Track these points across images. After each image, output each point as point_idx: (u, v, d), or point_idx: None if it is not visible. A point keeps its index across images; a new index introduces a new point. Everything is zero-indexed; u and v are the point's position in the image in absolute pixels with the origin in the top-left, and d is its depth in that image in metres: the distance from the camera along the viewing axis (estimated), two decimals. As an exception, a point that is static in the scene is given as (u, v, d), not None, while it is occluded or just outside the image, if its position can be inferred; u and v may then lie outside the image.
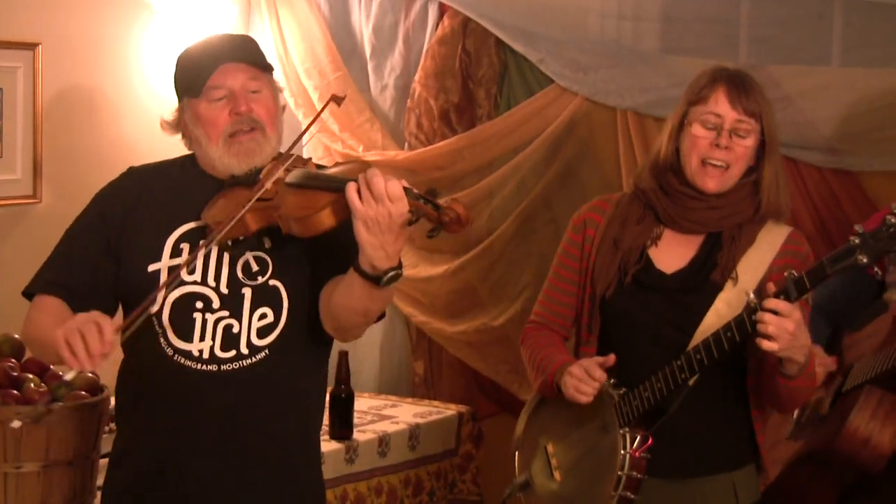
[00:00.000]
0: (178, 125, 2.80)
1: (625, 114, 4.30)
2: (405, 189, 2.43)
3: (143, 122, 4.77)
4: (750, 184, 2.93)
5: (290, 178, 2.63)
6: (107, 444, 3.00)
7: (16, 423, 2.68)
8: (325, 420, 3.75)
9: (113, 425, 2.96)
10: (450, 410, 4.34)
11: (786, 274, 2.67)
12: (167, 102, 4.73)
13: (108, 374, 2.91)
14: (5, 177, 4.37)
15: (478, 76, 4.67)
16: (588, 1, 4.44)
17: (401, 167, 4.76)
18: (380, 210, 2.41)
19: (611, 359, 2.88)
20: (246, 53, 2.74)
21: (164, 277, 2.69)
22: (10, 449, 3.04)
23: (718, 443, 2.93)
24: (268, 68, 2.78)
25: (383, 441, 3.96)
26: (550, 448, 3.05)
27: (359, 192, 2.42)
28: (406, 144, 4.85)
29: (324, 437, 3.77)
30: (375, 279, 2.49)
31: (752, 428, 2.95)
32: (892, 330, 3.01)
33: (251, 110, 2.70)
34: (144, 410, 2.73)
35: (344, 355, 4.02)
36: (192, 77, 2.72)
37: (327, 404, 3.78)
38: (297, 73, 5.00)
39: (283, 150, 2.79)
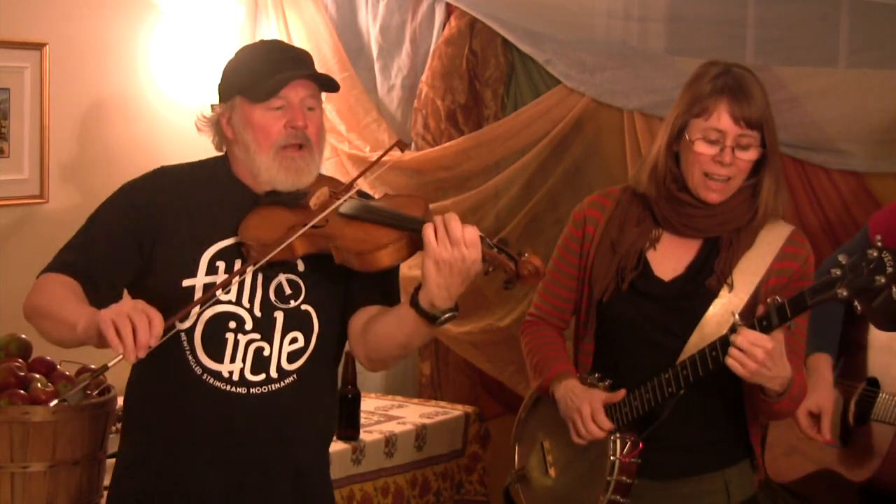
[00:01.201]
0: (217, 124, 2.76)
1: (631, 114, 4.30)
2: (480, 237, 2.46)
3: (151, 122, 4.78)
4: (749, 188, 2.90)
5: (346, 208, 2.62)
6: (112, 444, 3.00)
7: (57, 403, 2.61)
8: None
9: (119, 425, 2.96)
10: (456, 411, 4.34)
11: (769, 300, 2.66)
12: (174, 102, 4.77)
13: (115, 376, 2.91)
14: (12, 177, 4.37)
15: (485, 77, 4.66)
16: (595, 2, 4.44)
17: (407, 168, 4.77)
18: (455, 254, 2.43)
19: (620, 394, 2.88)
20: (314, 71, 2.73)
21: (198, 295, 2.65)
22: (17, 449, 3.04)
23: (711, 443, 2.93)
24: (334, 88, 2.75)
25: (390, 441, 3.96)
26: (547, 444, 3.06)
27: (435, 233, 2.45)
28: (413, 145, 4.85)
29: (330, 437, 3.79)
30: (432, 318, 2.51)
31: (745, 427, 2.95)
32: None
33: (306, 126, 2.68)
34: (163, 423, 2.71)
35: (351, 356, 4.02)
36: (257, 80, 2.67)
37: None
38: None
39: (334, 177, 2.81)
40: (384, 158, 2.87)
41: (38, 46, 4.38)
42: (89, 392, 2.49)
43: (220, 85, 2.76)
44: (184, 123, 4.37)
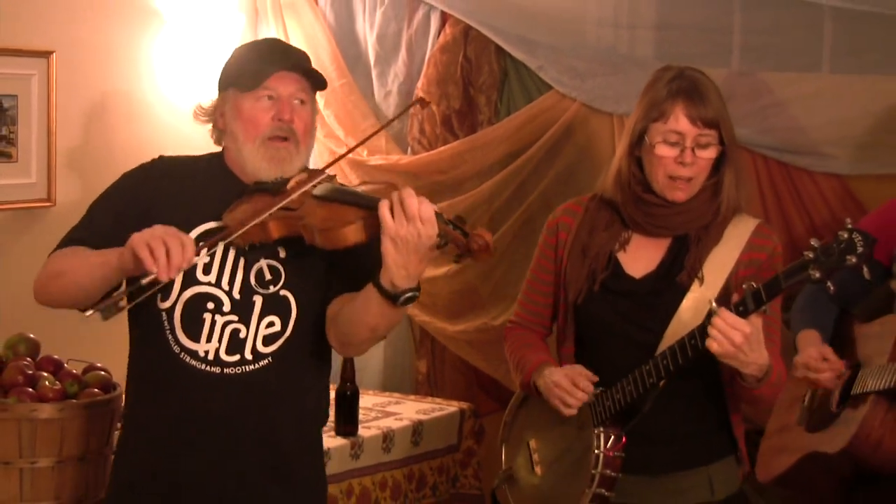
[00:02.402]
0: (213, 114, 2.80)
1: (621, 119, 4.30)
2: (436, 213, 2.44)
3: (153, 126, 4.78)
4: (711, 185, 2.92)
5: (318, 190, 2.63)
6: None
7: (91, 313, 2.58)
8: (331, 417, 3.77)
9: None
10: (452, 407, 4.34)
11: (744, 286, 2.66)
12: (177, 108, 4.77)
13: (119, 376, 2.91)
14: (21, 180, 4.37)
15: (479, 83, 4.66)
16: (586, 10, 4.44)
17: (404, 171, 4.77)
18: (410, 229, 2.42)
19: (595, 377, 2.90)
20: (305, 66, 2.75)
21: (178, 275, 2.62)
22: (25, 445, 3.05)
23: (694, 438, 2.94)
24: (321, 86, 2.77)
25: (387, 437, 3.96)
26: (533, 443, 3.07)
27: (391, 210, 2.43)
28: (409, 149, 4.85)
29: (329, 433, 3.79)
30: (393, 297, 2.49)
31: (728, 421, 2.95)
32: None
33: (292, 120, 2.69)
34: (147, 403, 2.73)
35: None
36: (247, 71, 2.71)
37: (333, 401, 3.79)
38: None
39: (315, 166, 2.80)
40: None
41: (46, 54, 4.39)
42: (122, 305, 2.50)
43: (218, 79, 2.81)
44: (186, 128, 4.38)
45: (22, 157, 4.36)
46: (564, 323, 3.03)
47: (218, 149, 2.85)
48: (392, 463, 3.97)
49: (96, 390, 3.20)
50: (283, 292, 2.71)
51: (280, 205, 2.59)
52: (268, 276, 2.70)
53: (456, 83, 4.68)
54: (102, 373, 3.29)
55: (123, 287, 2.57)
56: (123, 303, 2.51)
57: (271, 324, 2.70)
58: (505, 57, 4.62)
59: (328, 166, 2.76)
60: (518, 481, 3.09)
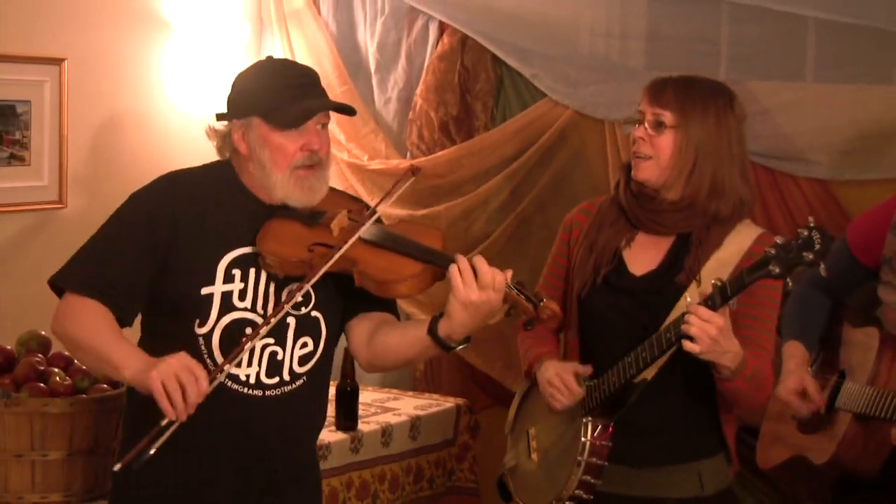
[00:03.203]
0: (228, 136, 2.71)
1: (612, 125, 4.32)
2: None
3: (162, 132, 4.80)
4: (707, 185, 2.91)
5: (368, 234, 2.59)
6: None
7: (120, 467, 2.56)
8: (332, 412, 3.80)
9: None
10: (448, 403, 4.34)
11: (712, 282, 2.69)
12: (184, 114, 4.79)
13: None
14: (33, 183, 4.39)
15: (475, 90, 4.68)
16: (579, 20, 4.44)
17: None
18: (482, 297, 2.41)
19: (589, 369, 2.93)
20: (330, 101, 2.71)
21: (216, 301, 2.62)
22: (37, 438, 3.07)
23: (684, 433, 2.94)
24: (350, 112, 2.72)
25: (386, 432, 3.97)
26: (532, 431, 3.09)
27: (461, 274, 2.42)
28: (408, 154, 4.87)
29: (330, 427, 3.81)
30: (447, 347, 2.52)
31: (717, 417, 2.95)
32: (880, 346, 3.03)
33: (321, 149, 2.65)
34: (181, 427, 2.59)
35: (349, 351, 4.03)
36: (279, 105, 2.61)
37: (334, 398, 3.82)
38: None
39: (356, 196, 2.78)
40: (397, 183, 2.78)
41: (58, 61, 4.41)
42: (151, 453, 2.45)
43: (233, 100, 2.70)
44: (193, 133, 4.42)
45: (34, 161, 4.38)
46: (569, 314, 3.06)
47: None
48: (390, 457, 3.98)
49: (105, 386, 3.22)
50: (314, 313, 2.70)
51: (338, 255, 2.53)
52: (299, 299, 2.63)
53: (453, 90, 4.70)
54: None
55: (146, 440, 2.45)
56: (152, 451, 2.44)
57: (304, 344, 2.70)
58: (501, 65, 4.63)
59: (375, 206, 2.66)
60: (518, 468, 3.13)
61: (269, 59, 2.78)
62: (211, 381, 2.47)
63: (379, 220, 2.68)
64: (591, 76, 4.37)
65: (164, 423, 2.44)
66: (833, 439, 3.04)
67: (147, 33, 4.77)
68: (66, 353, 3.27)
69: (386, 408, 4.22)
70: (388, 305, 2.76)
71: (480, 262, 2.43)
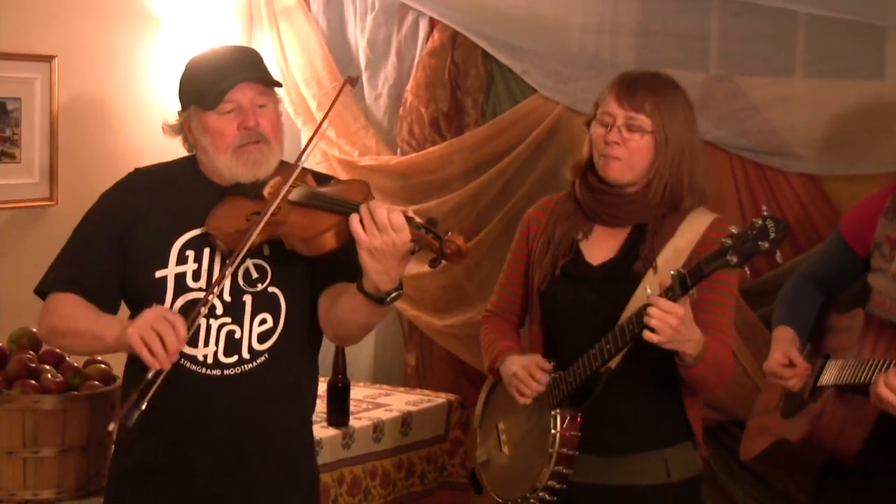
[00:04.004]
0: (181, 130, 2.78)
1: (603, 121, 4.32)
2: (407, 219, 2.44)
3: (151, 128, 4.76)
4: (662, 178, 2.96)
5: (294, 195, 2.62)
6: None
7: (113, 426, 2.60)
8: (324, 408, 3.79)
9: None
10: (440, 399, 4.35)
11: (672, 272, 2.72)
12: (173, 111, 4.77)
13: (118, 367, 2.93)
14: (23, 180, 4.38)
15: (466, 86, 4.68)
16: (569, 16, 4.44)
17: (394, 171, 4.78)
18: (384, 239, 2.43)
19: (550, 364, 2.95)
20: (258, 72, 2.73)
21: (170, 284, 2.68)
22: (28, 435, 3.06)
23: (650, 421, 2.99)
24: (275, 84, 2.77)
25: (378, 427, 3.97)
26: (501, 425, 3.13)
27: (361, 221, 2.44)
28: (399, 150, 4.86)
29: (322, 423, 3.80)
30: (379, 300, 2.52)
31: (682, 404, 2.99)
32: (863, 328, 3.03)
33: (258, 125, 2.68)
34: (149, 407, 2.63)
35: (341, 347, 4.02)
36: (205, 90, 2.68)
37: (325, 393, 3.81)
38: (297, 84, 5.01)
39: (287, 159, 2.78)
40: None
41: (48, 58, 4.40)
42: (143, 407, 2.48)
43: (179, 95, 2.78)
44: (184, 130, 4.39)
45: (24, 158, 4.37)
46: (531, 308, 3.11)
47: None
48: (382, 452, 3.98)
49: (97, 382, 3.22)
50: (271, 289, 2.72)
51: (262, 221, 2.57)
52: (255, 275, 2.70)
53: (444, 86, 4.69)
54: (102, 365, 3.31)
55: (135, 394, 2.49)
56: (143, 404, 2.47)
57: (263, 321, 2.71)
58: (491, 61, 4.63)
59: (298, 163, 2.69)
60: (490, 462, 3.16)
61: (208, 49, 2.82)
62: (189, 328, 2.50)
63: (325, 179, 2.75)
64: (582, 72, 4.37)
65: (150, 375, 2.48)
66: (811, 417, 3.04)
67: (137, 30, 4.76)
68: (58, 349, 3.27)
69: (377, 403, 4.22)
70: (349, 276, 2.70)
71: (376, 205, 2.45)
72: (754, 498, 4.05)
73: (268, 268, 2.72)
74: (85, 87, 4.58)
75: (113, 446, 2.87)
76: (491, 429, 3.17)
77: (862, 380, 2.89)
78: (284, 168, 2.73)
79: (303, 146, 2.79)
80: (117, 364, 2.95)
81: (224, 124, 2.68)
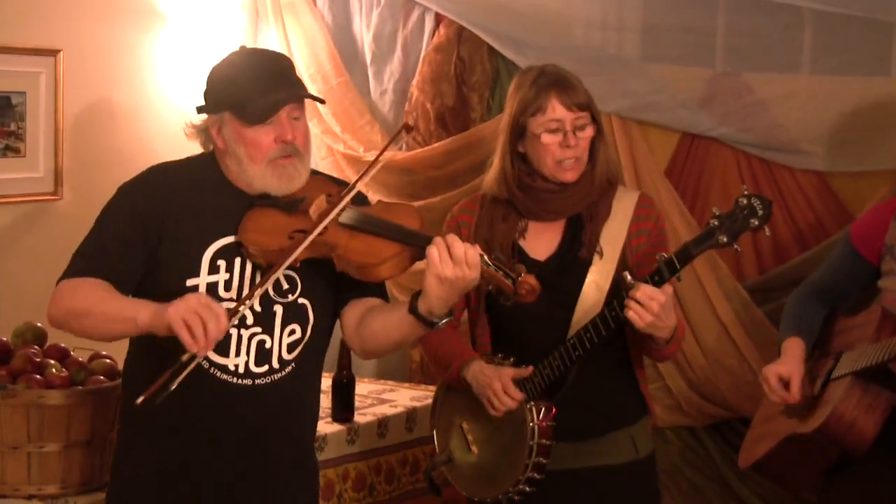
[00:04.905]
0: (206, 133, 2.72)
1: (609, 117, 4.30)
2: (481, 255, 2.49)
3: (156, 123, 4.79)
4: (590, 164, 3.03)
5: (345, 217, 2.60)
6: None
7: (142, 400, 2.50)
8: (328, 403, 3.78)
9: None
10: (444, 394, 4.34)
11: (657, 256, 2.76)
12: (178, 105, 4.77)
13: (119, 362, 2.92)
14: (28, 175, 4.38)
15: (471, 81, 4.67)
16: (574, 12, 4.44)
17: (399, 167, 4.77)
18: (456, 272, 2.46)
19: (528, 370, 2.96)
20: (303, 90, 2.71)
21: (202, 293, 2.60)
22: (33, 430, 3.05)
23: (614, 403, 3.05)
24: (318, 101, 2.77)
25: (382, 423, 3.96)
26: (465, 425, 3.14)
27: (438, 253, 2.47)
28: (404, 145, 4.86)
29: (326, 419, 3.80)
30: (430, 324, 2.54)
31: (636, 379, 3.07)
32: (879, 322, 3.02)
33: (295, 138, 2.65)
34: (171, 413, 2.61)
35: (346, 343, 4.02)
36: (245, 101, 2.62)
37: (330, 389, 3.81)
38: (303, 79, 5.00)
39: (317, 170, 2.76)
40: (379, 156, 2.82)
41: (53, 53, 4.40)
42: (172, 388, 2.44)
43: (207, 94, 2.72)
44: (188, 125, 4.38)
45: (30, 153, 4.37)
46: (477, 305, 3.12)
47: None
48: (387, 448, 3.97)
49: (102, 377, 3.21)
50: (300, 300, 2.71)
51: (311, 238, 2.54)
52: (285, 286, 2.68)
53: (449, 82, 4.69)
54: (108, 361, 3.30)
55: (167, 374, 2.44)
56: (173, 385, 2.43)
57: (293, 331, 2.70)
58: (497, 57, 4.62)
59: (350, 188, 2.65)
60: (455, 461, 3.16)
61: (242, 49, 2.78)
62: (230, 319, 2.47)
63: (363, 199, 2.72)
64: (587, 68, 4.31)
65: (185, 357, 2.44)
66: (826, 408, 3.03)
67: (142, 25, 4.76)
68: (63, 344, 3.26)
69: (382, 399, 4.22)
70: (376, 291, 2.76)
71: (453, 239, 2.48)
72: (760, 496, 4.04)
73: (298, 279, 2.70)
74: (90, 82, 4.58)
75: (117, 446, 2.85)
76: (451, 429, 3.17)
77: (882, 359, 2.90)
78: (318, 181, 2.72)
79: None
80: (122, 359, 2.93)
81: (261, 135, 2.63)
